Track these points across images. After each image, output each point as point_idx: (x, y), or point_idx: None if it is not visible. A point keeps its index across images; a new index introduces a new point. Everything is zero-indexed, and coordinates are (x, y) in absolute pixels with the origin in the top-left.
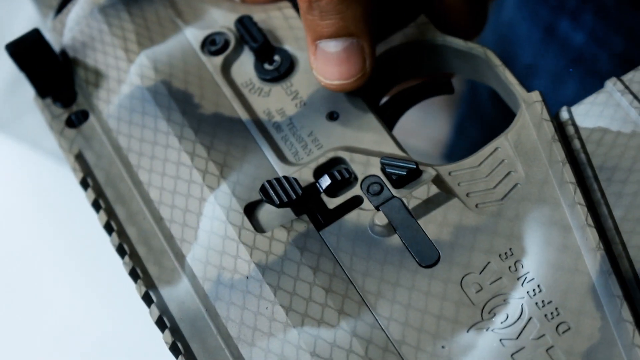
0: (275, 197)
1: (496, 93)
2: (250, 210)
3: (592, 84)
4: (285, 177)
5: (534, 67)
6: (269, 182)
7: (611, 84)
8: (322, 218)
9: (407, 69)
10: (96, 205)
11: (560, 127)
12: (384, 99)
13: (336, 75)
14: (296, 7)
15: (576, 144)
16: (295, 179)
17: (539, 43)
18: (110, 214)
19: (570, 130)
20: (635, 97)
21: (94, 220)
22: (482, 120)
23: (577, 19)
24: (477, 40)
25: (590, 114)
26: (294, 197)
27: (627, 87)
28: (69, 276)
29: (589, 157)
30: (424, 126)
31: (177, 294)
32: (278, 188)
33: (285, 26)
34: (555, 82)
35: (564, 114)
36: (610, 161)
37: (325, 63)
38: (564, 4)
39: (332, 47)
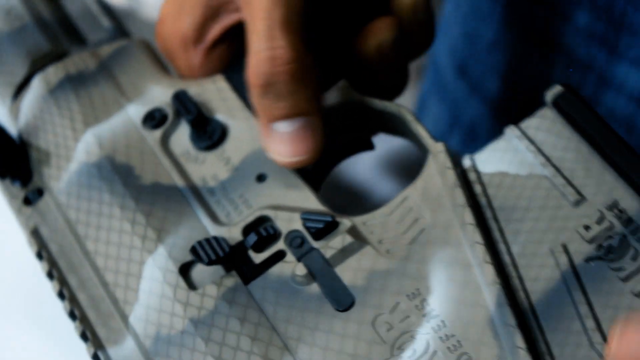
0: (204, 256)
1: (458, 70)
2: (185, 269)
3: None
4: (214, 237)
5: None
6: (198, 242)
7: (510, 131)
8: (250, 272)
9: (333, 131)
10: (50, 275)
11: (463, 173)
12: None
13: (293, 153)
14: (230, 80)
15: (478, 188)
16: (223, 238)
17: (501, 20)
18: (63, 282)
19: (473, 176)
20: (531, 141)
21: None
22: (443, 97)
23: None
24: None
25: (491, 159)
26: (221, 254)
27: (524, 133)
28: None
29: (489, 200)
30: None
31: (123, 353)
32: (207, 247)
33: (218, 97)
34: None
35: (467, 162)
36: (509, 202)
37: (280, 143)
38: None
39: (286, 127)
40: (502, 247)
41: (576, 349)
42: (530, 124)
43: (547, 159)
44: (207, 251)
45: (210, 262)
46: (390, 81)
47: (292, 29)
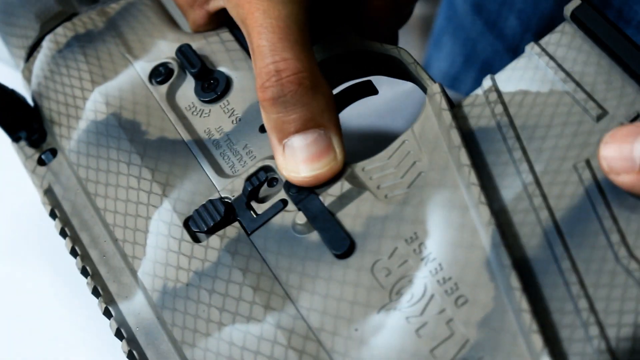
0: (203, 226)
1: (474, 7)
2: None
3: None
4: (209, 200)
5: None
6: (194, 213)
7: (529, 48)
8: (252, 223)
9: (336, 77)
10: (63, 234)
11: (460, 113)
12: None
13: (308, 169)
14: (236, 35)
15: (499, 108)
16: (218, 199)
17: None
18: (75, 240)
19: (493, 96)
20: (551, 58)
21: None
22: (458, 33)
23: None
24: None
25: (512, 78)
26: (218, 218)
27: (543, 50)
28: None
29: (512, 119)
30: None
31: (134, 307)
32: (204, 215)
33: (222, 49)
34: None
35: (487, 82)
36: (531, 120)
37: (294, 159)
38: None
39: (300, 141)
40: (525, 166)
41: (602, 264)
42: (550, 40)
43: (568, 74)
44: (205, 219)
45: (209, 231)
46: (390, 27)
47: (293, 40)
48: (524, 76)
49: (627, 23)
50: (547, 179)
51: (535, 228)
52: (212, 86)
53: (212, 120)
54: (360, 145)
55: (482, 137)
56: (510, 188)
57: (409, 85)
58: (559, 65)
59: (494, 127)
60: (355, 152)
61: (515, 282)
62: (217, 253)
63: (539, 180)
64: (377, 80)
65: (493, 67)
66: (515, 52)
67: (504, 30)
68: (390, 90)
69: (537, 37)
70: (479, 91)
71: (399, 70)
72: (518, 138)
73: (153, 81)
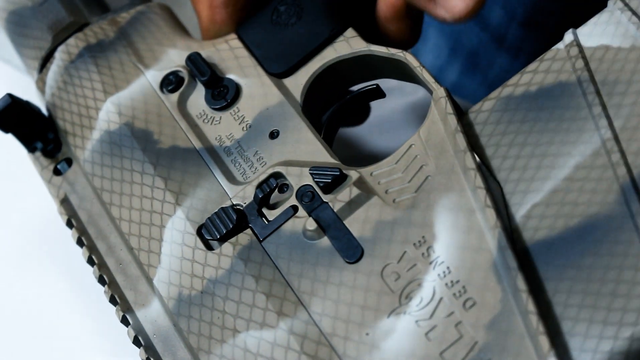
0: (215, 234)
1: None
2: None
3: None
4: (221, 208)
5: None
6: (207, 220)
7: (612, 3)
8: (263, 230)
9: (343, 81)
10: (80, 243)
11: (463, 119)
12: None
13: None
14: (246, 36)
15: (580, 63)
16: (231, 207)
17: None
18: (92, 249)
19: (575, 50)
20: (634, 13)
21: None
22: (443, 27)
23: None
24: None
25: (594, 33)
26: (230, 226)
27: (626, 5)
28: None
29: (592, 74)
30: None
31: (151, 315)
32: (217, 222)
33: (231, 57)
34: None
35: (569, 36)
36: (612, 75)
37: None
38: None
39: None
40: (604, 121)
41: None
42: None
43: None
44: (217, 227)
45: (222, 238)
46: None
47: None
48: (605, 31)
49: None
50: (626, 135)
51: (613, 184)
52: (222, 94)
53: (223, 128)
54: (369, 153)
55: (562, 91)
56: (589, 143)
57: (420, 94)
58: None
59: (574, 81)
60: (364, 159)
61: (521, 284)
62: (230, 260)
63: (617, 137)
64: (389, 89)
65: (478, 57)
66: (501, 42)
67: (488, 21)
68: (402, 99)
69: (523, 26)
70: (560, 45)
71: (405, 73)
72: (598, 93)
73: (164, 90)
